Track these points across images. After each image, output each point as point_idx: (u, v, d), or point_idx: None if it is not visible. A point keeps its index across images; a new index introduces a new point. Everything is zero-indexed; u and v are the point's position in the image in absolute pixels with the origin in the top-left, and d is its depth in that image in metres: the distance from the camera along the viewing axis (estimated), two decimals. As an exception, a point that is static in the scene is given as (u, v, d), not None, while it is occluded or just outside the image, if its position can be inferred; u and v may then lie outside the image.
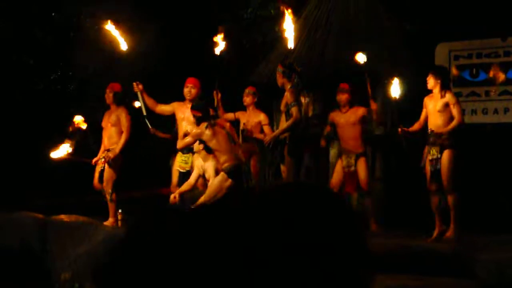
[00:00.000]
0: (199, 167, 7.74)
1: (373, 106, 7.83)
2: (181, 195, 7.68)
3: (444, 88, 7.17)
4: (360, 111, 7.93)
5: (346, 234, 1.05)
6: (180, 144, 7.49)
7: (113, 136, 8.10)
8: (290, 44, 7.64)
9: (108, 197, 8.04)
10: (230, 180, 7.01)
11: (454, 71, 9.43)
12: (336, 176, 8.02)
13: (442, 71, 7.53)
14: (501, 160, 8.89)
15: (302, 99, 8.13)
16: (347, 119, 7.95)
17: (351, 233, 1.06)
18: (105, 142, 8.20)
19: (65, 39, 11.20)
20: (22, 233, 7.67)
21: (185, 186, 7.72)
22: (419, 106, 7.47)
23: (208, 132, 7.07)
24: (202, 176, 7.67)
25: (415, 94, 7.87)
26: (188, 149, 7.82)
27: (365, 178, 7.87)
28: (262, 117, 8.24)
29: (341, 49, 9.14)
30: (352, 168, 7.85)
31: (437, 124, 7.12)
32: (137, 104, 8.53)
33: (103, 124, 8.26)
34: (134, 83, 8.10)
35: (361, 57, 7.78)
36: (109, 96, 8.13)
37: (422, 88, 7.49)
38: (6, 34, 10.60)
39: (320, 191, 1.11)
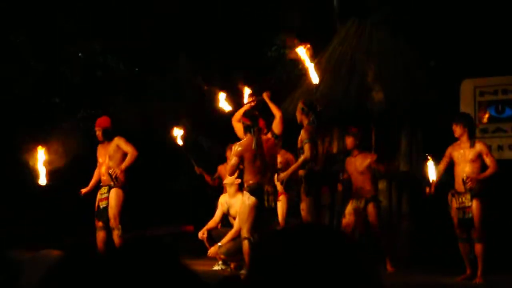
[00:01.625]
0: (224, 204, 7.81)
1: (373, 157, 7.83)
2: (209, 231, 7.78)
3: (471, 135, 7.12)
4: (368, 159, 7.89)
5: (355, 275, 1.10)
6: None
7: (113, 168, 7.89)
8: (315, 80, 7.64)
9: (118, 233, 7.77)
10: (253, 198, 6.88)
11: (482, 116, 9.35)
12: (348, 217, 7.98)
13: (468, 118, 7.36)
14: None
15: (319, 140, 8.06)
16: (356, 165, 7.96)
17: (359, 274, 1.10)
18: (104, 177, 7.98)
19: (92, 78, 11.42)
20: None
21: (211, 224, 7.85)
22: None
23: (248, 139, 6.94)
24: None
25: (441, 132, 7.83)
26: None
27: (375, 222, 7.81)
28: (290, 156, 8.20)
29: (365, 87, 9.17)
30: (360, 212, 7.82)
31: (469, 173, 6.96)
32: (179, 141, 8.73)
33: (100, 159, 8.10)
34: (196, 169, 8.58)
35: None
36: (98, 135, 8.01)
37: (447, 127, 7.37)
38: (37, 74, 10.84)
39: (330, 234, 1.16)
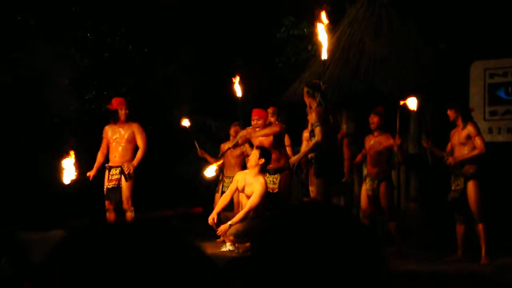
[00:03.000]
0: (241, 181, 7.79)
1: (398, 140, 7.79)
2: (218, 215, 7.79)
3: (466, 119, 7.24)
4: (391, 140, 7.86)
5: (359, 254, 1.08)
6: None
7: (128, 152, 7.94)
8: (324, 56, 7.58)
9: (131, 215, 7.85)
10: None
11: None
12: (362, 199, 8.02)
13: (460, 103, 7.54)
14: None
15: (331, 118, 8.02)
16: (377, 144, 7.93)
17: (364, 254, 1.09)
18: (115, 158, 7.98)
19: (100, 60, 11.43)
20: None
21: (221, 205, 7.84)
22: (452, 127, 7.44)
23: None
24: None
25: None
26: (276, 170, 7.85)
27: (387, 203, 7.83)
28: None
29: (374, 69, 9.15)
30: (374, 192, 7.84)
31: (457, 155, 7.25)
32: (185, 122, 8.72)
33: (111, 139, 8.04)
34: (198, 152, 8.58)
35: (412, 102, 7.64)
36: (124, 114, 7.96)
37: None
38: (45, 55, 10.83)
39: (337, 213, 1.14)
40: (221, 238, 8.04)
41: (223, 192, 8.40)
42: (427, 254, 7.72)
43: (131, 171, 7.83)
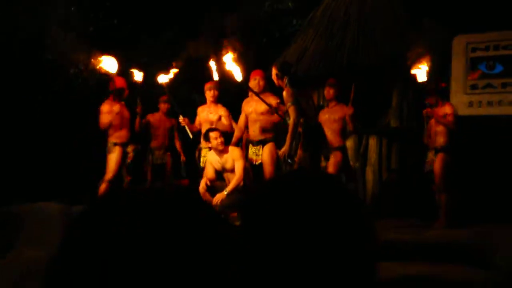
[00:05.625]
0: (215, 162, 8.00)
1: (350, 110, 8.00)
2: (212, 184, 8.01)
3: (443, 99, 7.98)
4: (345, 109, 8.07)
5: (345, 221, 1.07)
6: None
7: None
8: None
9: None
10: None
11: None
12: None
13: (434, 90, 8.02)
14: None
15: (305, 98, 8.12)
16: (331, 115, 8.13)
17: (350, 221, 1.07)
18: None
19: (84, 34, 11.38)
20: (47, 222, 7.60)
21: (208, 175, 8.01)
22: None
23: None
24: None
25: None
26: (259, 142, 7.97)
27: (335, 170, 8.03)
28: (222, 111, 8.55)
29: (358, 42, 9.27)
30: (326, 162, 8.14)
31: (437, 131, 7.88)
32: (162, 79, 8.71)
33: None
34: (181, 119, 8.57)
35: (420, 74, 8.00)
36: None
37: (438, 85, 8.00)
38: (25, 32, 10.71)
39: (321, 181, 1.12)
40: None
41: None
42: (407, 223, 7.93)
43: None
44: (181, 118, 8.66)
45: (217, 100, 8.51)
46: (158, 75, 8.65)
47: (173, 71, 8.42)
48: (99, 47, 9.33)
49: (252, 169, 7.98)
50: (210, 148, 8.11)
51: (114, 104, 8.29)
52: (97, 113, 8.36)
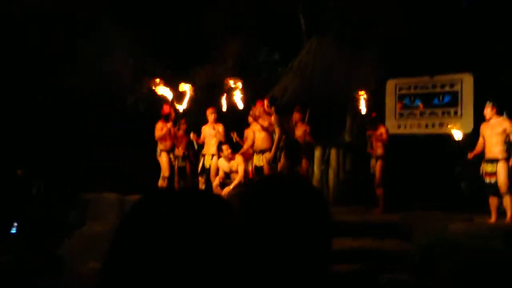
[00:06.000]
0: (223, 167, 7.97)
1: (307, 127, 8.22)
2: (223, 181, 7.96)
3: (381, 124, 8.12)
4: (304, 127, 8.26)
5: (315, 208, 1.02)
6: None
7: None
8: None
9: None
10: None
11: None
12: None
13: (375, 119, 8.07)
14: (430, 161, 9.06)
15: (286, 122, 8.22)
16: (298, 133, 8.25)
17: (318, 207, 1.03)
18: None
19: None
20: (108, 207, 7.43)
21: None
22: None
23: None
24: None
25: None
26: (261, 151, 7.89)
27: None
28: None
29: (322, 84, 9.21)
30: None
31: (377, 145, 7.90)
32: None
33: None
34: (192, 136, 8.37)
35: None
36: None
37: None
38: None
39: (295, 179, 1.07)
40: None
41: (203, 167, 8.35)
42: (355, 208, 7.90)
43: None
44: (191, 135, 8.60)
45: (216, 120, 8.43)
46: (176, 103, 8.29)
47: (186, 99, 7.85)
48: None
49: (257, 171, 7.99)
50: (219, 156, 8.03)
51: (165, 123, 8.12)
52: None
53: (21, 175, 9.28)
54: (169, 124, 8.09)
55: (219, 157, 8.03)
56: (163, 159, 8.22)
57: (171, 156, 8.31)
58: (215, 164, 8.06)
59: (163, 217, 0.74)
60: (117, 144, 9.86)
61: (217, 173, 8.09)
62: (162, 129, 8.06)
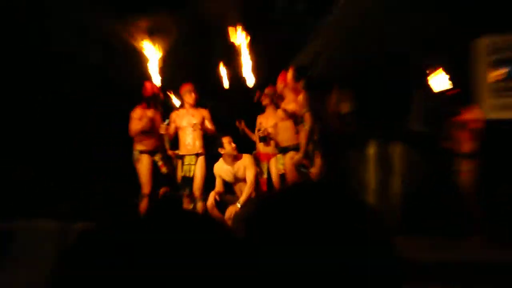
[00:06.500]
0: (225, 175, 5.49)
1: None
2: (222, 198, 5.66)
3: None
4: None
5: (373, 243, 0.75)
6: None
7: None
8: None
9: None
10: None
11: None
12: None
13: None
14: None
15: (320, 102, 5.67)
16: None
17: (377, 240, 0.76)
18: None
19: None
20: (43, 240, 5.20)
21: (217, 189, 5.43)
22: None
23: None
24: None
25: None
26: (284, 149, 5.82)
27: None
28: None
29: (373, 45, 6.57)
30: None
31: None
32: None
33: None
34: (164, 125, 5.91)
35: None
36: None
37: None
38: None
39: (341, 194, 0.78)
40: None
41: (184, 177, 5.86)
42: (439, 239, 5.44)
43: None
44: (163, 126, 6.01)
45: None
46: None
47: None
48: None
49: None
50: (210, 156, 5.81)
51: (144, 111, 5.81)
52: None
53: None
54: (152, 112, 5.72)
55: (210, 158, 5.65)
56: (142, 165, 5.71)
57: (156, 159, 5.75)
58: (201, 170, 5.60)
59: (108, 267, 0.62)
60: (117, 144, 8.01)
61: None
62: (141, 119, 5.69)
